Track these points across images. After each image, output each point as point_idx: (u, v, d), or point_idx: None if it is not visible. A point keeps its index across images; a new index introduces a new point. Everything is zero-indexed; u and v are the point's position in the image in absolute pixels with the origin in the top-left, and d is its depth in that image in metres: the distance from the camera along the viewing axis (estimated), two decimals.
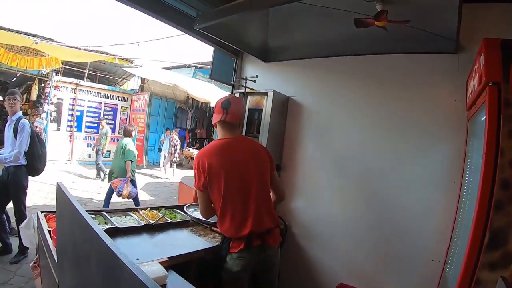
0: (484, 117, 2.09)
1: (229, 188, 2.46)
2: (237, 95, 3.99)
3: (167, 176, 13.40)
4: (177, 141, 13.65)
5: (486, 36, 2.07)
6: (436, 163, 2.96)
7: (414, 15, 2.55)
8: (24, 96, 12.38)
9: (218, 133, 2.65)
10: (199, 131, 18.05)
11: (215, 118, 2.61)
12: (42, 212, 2.92)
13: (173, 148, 13.47)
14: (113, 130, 14.00)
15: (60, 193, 1.93)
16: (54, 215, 2.78)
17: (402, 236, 3.09)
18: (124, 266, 1.10)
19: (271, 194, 2.72)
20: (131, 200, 6.80)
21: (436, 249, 2.89)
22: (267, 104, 3.71)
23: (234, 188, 2.48)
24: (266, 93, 3.73)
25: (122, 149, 6.84)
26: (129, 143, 6.95)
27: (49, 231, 2.55)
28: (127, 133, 7.16)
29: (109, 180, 6.92)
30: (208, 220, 3.14)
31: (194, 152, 15.65)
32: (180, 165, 15.75)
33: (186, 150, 16.08)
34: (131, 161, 6.76)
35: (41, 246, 2.67)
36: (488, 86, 1.94)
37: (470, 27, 2.61)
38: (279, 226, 2.79)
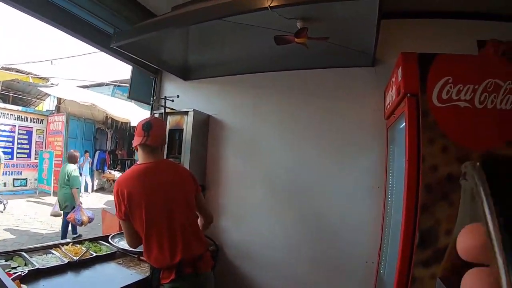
0: (403, 125, 2.25)
1: (151, 215, 2.33)
2: (156, 115, 3.87)
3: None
4: None
5: (401, 50, 2.21)
6: (362, 170, 3.08)
7: (334, 31, 2.62)
8: None
9: (139, 157, 2.52)
10: (120, 152, 17.29)
11: (136, 141, 2.47)
12: None
13: None
14: (28, 155, 13.04)
15: None
16: None
17: (337, 244, 3.17)
18: None
19: (199, 218, 2.64)
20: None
21: (369, 251, 3.01)
22: (187, 124, 3.64)
23: (156, 215, 2.36)
24: (186, 113, 3.66)
25: (66, 177, 6.74)
26: (74, 170, 6.90)
27: None
28: (72, 159, 7.16)
29: (62, 209, 6.84)
30: (135, 249, 3.01)
31: (116, 174, 15.10)
32: (102, 189, 15.11)
33: (108, 172, 15.45)
34: (77, 188, 6.79)
35: None
36: (406, 97, 2.07)
37: (385, 41, 2.78)
38: (209, 250, 2.71)
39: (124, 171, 15.24)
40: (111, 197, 13.36)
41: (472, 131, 1.98)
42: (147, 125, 2.47)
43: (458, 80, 2.00)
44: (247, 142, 3.65)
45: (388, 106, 2.68)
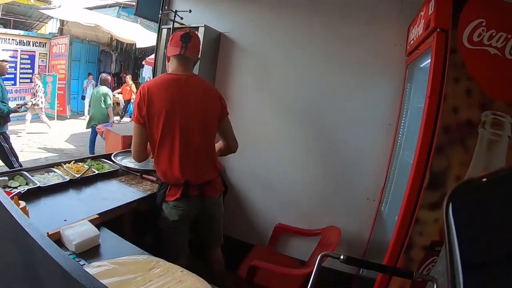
0: (426, 63, 2.22)
1: (168, 126, 2.27)
2: (164, 30, 3.66)
3: None
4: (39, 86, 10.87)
5: None
6: (375, 105, 2.96)
7: None
8: None
9: (170, 68, 2.41)
10: (124, 75, 17.07)
11: (172, 51, 2.36)
12: None
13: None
14: (31, 80, 12.71)
15: None
16: None
17: (340, 175, 3.14)
18: (35, 242, 0.91)
19: (220, 142, 2.60)
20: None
21: (371, 189, 2.99)
22: None
23: (174, 128, 2.28)
24: (196, 28, 3.36)
25: (103, 97, 7.53)
26: (109, 91, 7.78)
27: None
28: (104, 82, 8.01)
29: (88, 127, 7.66)
30: (138, 168, 3.00)
31: (120, 97, 15.05)
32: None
33: (112, 95, 15.32)
34: (111, 107, 7.74)
35: None
36: (436, 32, 1.94)
37: None
38: (221, 175, 2.67)
39: None
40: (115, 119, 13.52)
41: (498, 81, 1.88)
42: (186, 36, 2.36)
43: (491, 25, 1.86)
44: (259, 65, 3.45)
45: (412, 42, 2.52)
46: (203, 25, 3.34)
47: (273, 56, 3.37)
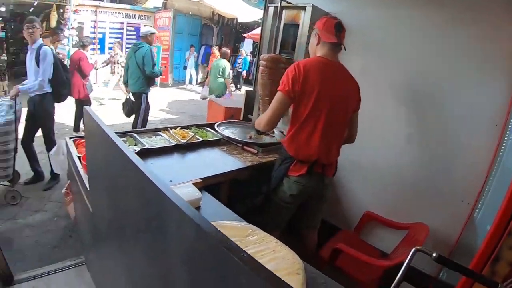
0: None
1: (317, 108, 2.34)
2: (271, 9, 3.60)
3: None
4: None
5: None
6: (483, 101, 2.72)
7: None
8: (44, 24, 11.84)
9: (321, 50, 2.47)
10: (225, 48, 17.56)
11: (327, 37, 2.42)
12: (70, 138, 2.88)
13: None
14: None
15: (88, 117, 1.84)
16: (83, 141, 2.74)
17: (437, 171, 2.98)
18: (158, 189, 1.05)
19: None
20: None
21: (467, 191, 2.79)
22: (304, 20, 3.32)
23: (321, 110, 2.36)
24: (303, 8, 3.31)
25: (221, 69, 8.27)
26: (227, 65, 8.47)
27: (78, 157, 2.51)
28: (224, 56, 8.81)
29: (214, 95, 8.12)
30: (240, 139, 3.14)
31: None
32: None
33: None
34: (229, 79, 8.63)
35: (72, 173, 2.67)
36: None
37: None
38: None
39: None
40: None
41: None
42: (340, 26, 2.43)
43: None
44: (367, 47, 3.30)
45: None
46: (311, 4, 3.27)
47: (383, 40, 3.24)
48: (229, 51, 8.70)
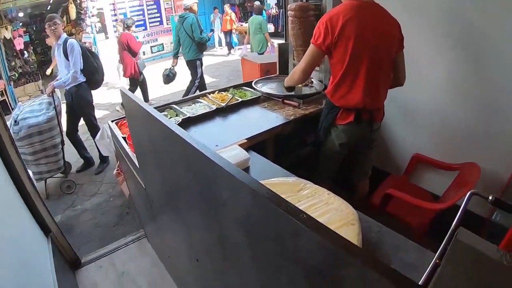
0: None
1: (356, 55, 2.25)
2: None
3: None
4: None
5: None
6: None
7: None
8: (64, 18, 11.80)
9: None
10: (249, 5, 17.16)
11: None
12: (112, 121, 2.92)
13: None
14: (160, 22, 13.81)
15: (125, 98, 1.85)
16: (125, 121, 2.80)
17: (489, 114, 2.76)
18: (206, 158, 1.06)
19: None
20: None
21: None
22: None
23: (361, 57, 2.27)
24: None
25: (259, 25, 8.43)
26: (263, 20, 8.69)
27: (124, 137, 2.56)
28: (258, 11, 8.90)
29: (256, 51, 8.56)
30: (279, 94, 3.13)
31: (245, 25, 15.27)
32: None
33: (239, 25, 15.48)
34: (268, 32, 8.72)
35: (120, 153, 2.73)
36: None
37: None
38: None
39: None
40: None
41: None
42: None
43: None
44: None
45: None
46: None
47: None
48: (262, 6, 8.75)
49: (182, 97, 3.73)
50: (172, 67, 6.98)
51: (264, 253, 0.99)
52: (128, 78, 7.66)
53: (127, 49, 7.20)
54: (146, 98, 7.77)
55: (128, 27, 7.43)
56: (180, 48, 6.75)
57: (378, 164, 3.45)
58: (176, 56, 6.99)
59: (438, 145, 3.14)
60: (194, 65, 6.79)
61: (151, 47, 14.04)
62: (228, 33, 14.53)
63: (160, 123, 1.38)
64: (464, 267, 0.96)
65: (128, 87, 7.61)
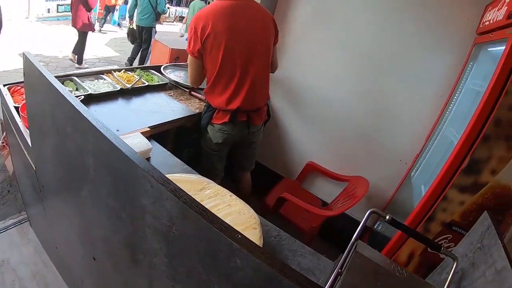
0: (495, 49, 2.13)
1: (227, 57, 2.23)
2: None
3: None
4: None
5: None
6: (432, 72, 2.84)
7: None
8: None
9: None
10: None
11: None
12: (4, 85, 2.51)
13: None
14: None
15: (27, 62, 1.59)
16: (19, 87, 2.47)
17: (380, 130, 3.11)
18: (108, 140, 1.01)
19: None
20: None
21: (406, 152, 2.97)
22: None
23: (233, 59, 2.26)
24: None
25: (198, 10, 7.53)
26: (204, 5, 7.93)
27: (16, 107, 2.23)
28: None
29: None
30: (187, 84, 3.01)
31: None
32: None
33: None
34: None
35: (8, 124, 2.38)
36: None
37: None
38: (267, 104, 2.70)
39: (172, 2, 14.65)
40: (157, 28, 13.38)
41: None
42: None
43: None
44: (323, 5, 3.21)
45: (487, 23, 2.37)
46: None
47: (342, 6, 3.14)
48: None
49: (138, 64, 3.48)
50: (131, 27, 7.49)
51: (185, 264, 0.96)
52: (78, 30, 7.37)
53: (82, 2, 7.05)
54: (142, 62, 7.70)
55: None
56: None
57: (272, 166, 3.67)
58: (131, 17, 7.57)
59: (332, 155, 3.36)
60: (150, 31, 7.32)
61: (57, 5, 12.69)
62: (111, 8, 13.61)
63: (65, 100, 1.23)
64: (363, 276, 1.03)
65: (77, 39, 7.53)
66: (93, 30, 7.84)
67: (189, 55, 2.32)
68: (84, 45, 7.50)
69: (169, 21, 15.49)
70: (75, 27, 7.26)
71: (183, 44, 4.75)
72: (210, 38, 2.18)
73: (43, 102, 1.58)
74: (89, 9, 7.17)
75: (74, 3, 7.10)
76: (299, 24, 3.32)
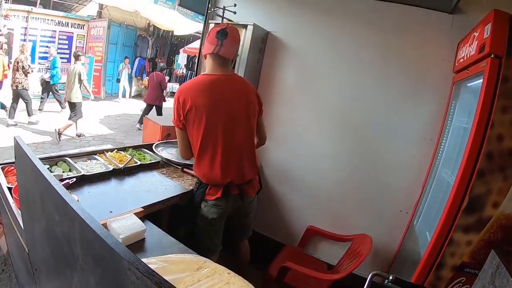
0: (474, 83, 2.23)
1: (210, 130, 2.27)
2: (211, 26, 3.58)
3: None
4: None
5: (488, 4, 2.09)
6: (417, 117, 2.93)
7: None
8: None
9: (207, 67, 2.38)
10: (159, 60, 17.24)
11: (207, 49, 2.31)
12: None
13: None
14: (68, 60, 12.75)
15: (18, 148, 1.62)
16: (12, 167, 2.47)
17: (376, 184, 3.13)
18: (93, 231, 0.99)
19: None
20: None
21: (406, 201, 2.98)
22: (245, 39, 3.34)
23: (216, 131, 2.29)
24: (245, 26, 3.33)
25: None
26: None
27: (9, 188, 2.21)
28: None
29: None
30: (179, 161, 3.05)
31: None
32: (139, 96, 15.27)
33: (146, 79, 15.46)
34: None
35: (1, 204, 2.36)
36: (490, 57, 1.91)
37: None
38: (258, 174, 2.69)
39: None
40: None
41: None
42: (222, 33, 2.27)
43: None
44: (305, 67, 3.41)
45: (461, 60, 2.48)
46: (252, 23, 3.30)
47: (319, 61, 3.34)
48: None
49: None
50: None
51: None
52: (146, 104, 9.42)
53: (158, 86, 9.14)
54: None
55: (162, 70, 10.22)
56: None
57: (272, 235, 3.62)
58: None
59: (331, 216, 3.36)
60: None
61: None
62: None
63: (52, 187, 1.21)
64: None
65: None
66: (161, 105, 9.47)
67: (175, 127, 2.38)
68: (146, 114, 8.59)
69: None
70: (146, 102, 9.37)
71: (171, 122, 4.82)
72: (192, 111, 2.23)
73: (33, 187, 1.57)
74: (163, 90, 9.44)
75: (151, 85, 9.40)
76: (284, 91, 3.48)
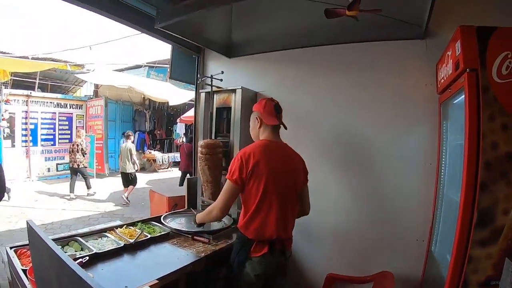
0: (459, 100, 2.27)
1: (269, 189, 2.43)
2: (203, 94, 3.82)
3: None
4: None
5: (455, 21, 2.19)
6: (414, 146, 3.02)
7: (386, 3, 2.48)
8: None
9: (264, 133, 2.63)
10: (158, 132, 17.69)
11: (270, 120, 2.59)
12: (11, 248, 2.59)
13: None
14: (70, 140, 13.12)
15: (31, 231, 1.70)
16: (25, 250, 2.53)
17: (387, 218, 3.14)
18: None
19: None
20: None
21: (419, 229, 2.98)
22: (235, 102, 3.53)
23: (274, 191, 2.45)
24: (234, 90, 3.54)
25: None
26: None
27: (24, 270, 2.25)
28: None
29: None
30: (188, 230, 3.09)
31: (156, 154, 15.55)
32: (143, 169, 15.36)
33: (148, 152, 15.80)
34: None
35: (17, 286, 2.36)
36: (466, 72, 1.99)
37: (440, 13, 2.66)
38: None
39: (164, 150, 15.31)
40: (153, 177, 13.79)
41: None
42: (279, 108, 2.63)
43: None
44: (296, 117, 3.45)
45: (442, 80, 2.59)
46: (240, 87, 3.50)
47: (308, 107, 3.52)
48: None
49: None
50: None
51: None
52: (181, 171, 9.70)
53: (189, 155, 8.64)
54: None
55: (190, 141, 9.23)
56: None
57: None
58: None
59: (349, 260, 3.32)
60: None
61: (57, 164, 13.51)
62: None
63: (69, 267, 1.27)
64: None
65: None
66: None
67: (229, 183, 2.46)
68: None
69: (164, 168, 15.93)
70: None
71: (179, 191, 4.88)
72: (254, 171, 2.40)
73: (48, 267, 1.61)
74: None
75: (183, 155, 9.71)
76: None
